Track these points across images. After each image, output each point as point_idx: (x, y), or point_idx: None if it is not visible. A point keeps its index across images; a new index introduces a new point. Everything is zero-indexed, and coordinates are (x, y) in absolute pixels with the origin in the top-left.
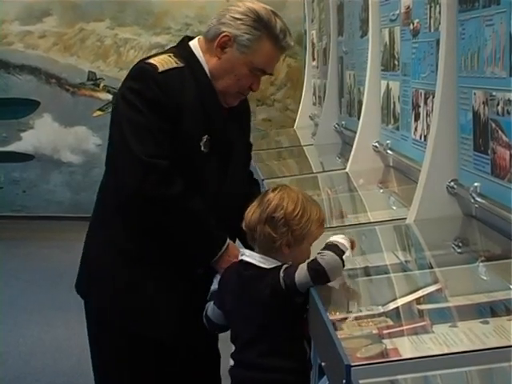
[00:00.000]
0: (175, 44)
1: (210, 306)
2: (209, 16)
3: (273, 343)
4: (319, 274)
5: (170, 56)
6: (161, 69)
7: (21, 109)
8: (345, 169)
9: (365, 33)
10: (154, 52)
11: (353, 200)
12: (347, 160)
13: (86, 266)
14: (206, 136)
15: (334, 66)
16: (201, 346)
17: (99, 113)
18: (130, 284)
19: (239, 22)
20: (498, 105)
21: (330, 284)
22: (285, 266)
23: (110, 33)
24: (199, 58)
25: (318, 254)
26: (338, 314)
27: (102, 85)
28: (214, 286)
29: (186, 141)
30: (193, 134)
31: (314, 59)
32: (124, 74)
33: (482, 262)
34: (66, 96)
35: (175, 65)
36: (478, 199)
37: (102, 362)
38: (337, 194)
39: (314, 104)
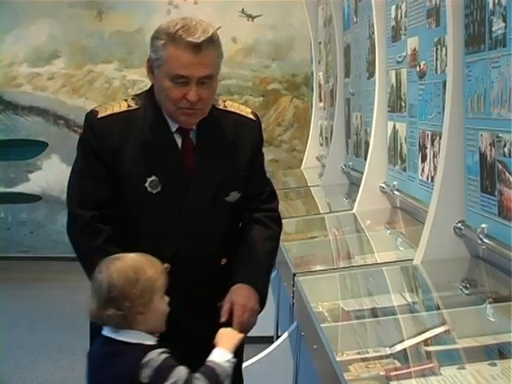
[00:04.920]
0: None
1: None
2: None
3: None
4: None
5: (126, 100)
6: (101, 115)
7: (29, 150)
8: (352, 210)
9: (371, 74)
10: None
11: (360, 241)
12: (354, 201)
13: None
14: (153, 177)
15: (340, 107)
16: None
17: None
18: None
19: (151, 43)
20: (504, 146)
21: (337, 325)
22: (153, 364)
23: (118, 74)
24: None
25: (195, 378)
26: (345, 355)
27: None
28: None
29: (129, 183)
30: (135, 176)
31: (320, 100)
32: None
33: (489, 303)
34: (74, 137)
35: (125, 108)
36: (486, 240)
37: None
38: (344, 234)
39: (321, 145)
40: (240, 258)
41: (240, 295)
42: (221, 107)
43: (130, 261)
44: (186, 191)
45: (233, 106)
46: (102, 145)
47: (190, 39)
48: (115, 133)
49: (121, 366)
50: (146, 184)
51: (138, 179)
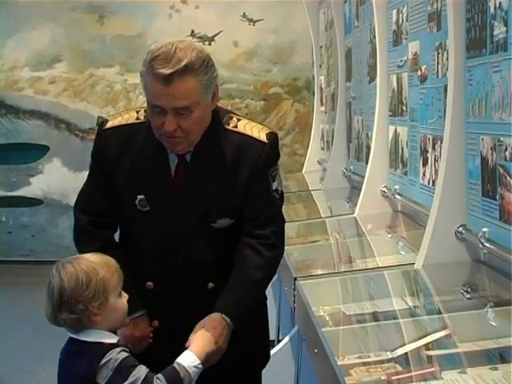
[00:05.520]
0: None
1: None
2: (216, 61)
3: None
4: None
5: (137, 111)
6: (109, 125)
7: (30, 154)
8: (353, 213)
9: (373, 78)
10: None
11: (361, 245)
12: (355, 205)
13: None
14: (142, 195)
15: (342, 111)
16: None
17: None
18: None
19: None
20: (506, 150)
21: (338, 329)
22: (113, 364)
23: (120, 78)
24: None
25: (157, 378)
26: (346, 359)
27: None
28: None
29: (123, 198)
30: (127, 191)
31: (322, 104)
32: None
33: (490, 307)
34: (75, 141)
35: (132, 120)
36: (487, 244)
37: None
38: (345, 238)
39: (322, 149)
40: (227, 285)
41: (214, 329)
42: (230, 127)
43: (82, 263)
44: (170, 214)
45: (246, 126)
46: (103, 156)
47: (159, 71)
48: (116, 146)
49: (79, 367)
50: (136, 202)
51: (130, 195)
